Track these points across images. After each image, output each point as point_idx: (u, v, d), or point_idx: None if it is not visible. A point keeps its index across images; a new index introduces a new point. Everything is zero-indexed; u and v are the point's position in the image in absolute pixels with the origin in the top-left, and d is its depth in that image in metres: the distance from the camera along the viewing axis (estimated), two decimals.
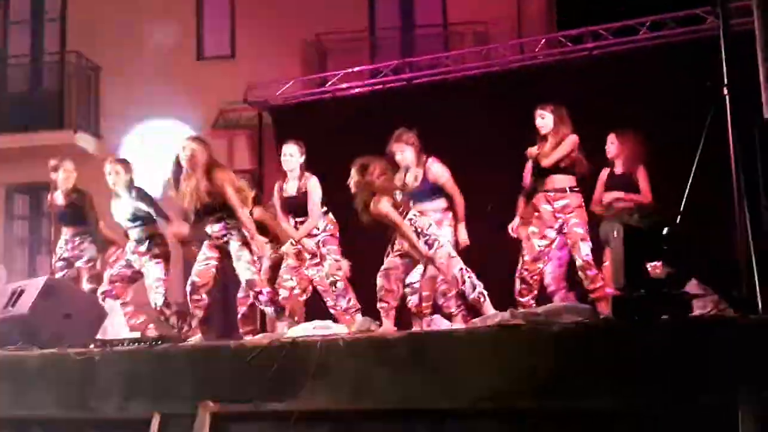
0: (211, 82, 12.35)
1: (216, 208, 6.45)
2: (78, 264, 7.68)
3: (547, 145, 6.52)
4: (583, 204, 6.57)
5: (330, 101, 10.26)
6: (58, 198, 7.71)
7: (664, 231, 4.50)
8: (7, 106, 13.19)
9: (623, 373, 4.06)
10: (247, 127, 12.27)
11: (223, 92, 11.98)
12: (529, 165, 6.72)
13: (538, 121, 6.59)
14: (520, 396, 4.23)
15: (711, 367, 3.94)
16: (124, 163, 7.23)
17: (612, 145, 6.94)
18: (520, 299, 6.41)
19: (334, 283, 6.88)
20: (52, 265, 7.67)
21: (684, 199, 4.69)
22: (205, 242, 6.62)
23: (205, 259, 6.56)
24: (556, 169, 6.49)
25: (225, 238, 6.51)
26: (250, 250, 6.48)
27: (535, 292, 6.50)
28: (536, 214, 6.56)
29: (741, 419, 3.77)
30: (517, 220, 6.82)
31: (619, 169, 6.93)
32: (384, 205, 5.98)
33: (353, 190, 6.12)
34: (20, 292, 6.20)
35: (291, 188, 7.07)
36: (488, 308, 5.84)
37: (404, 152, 6.63)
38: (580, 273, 6.44)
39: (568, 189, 6.50)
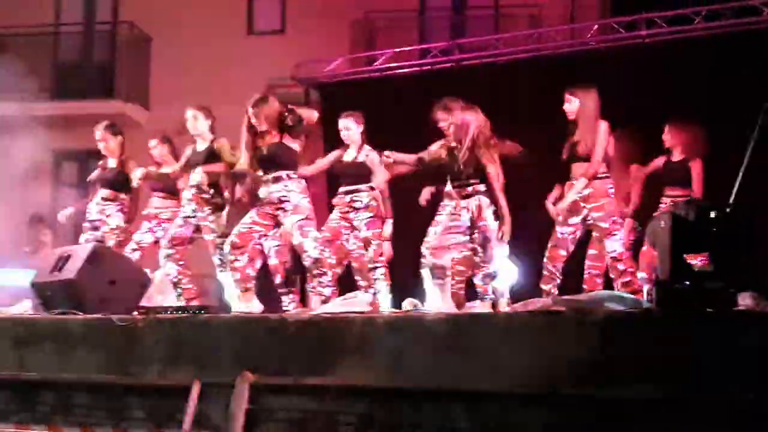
0: (260, 57, 12.39)
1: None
2: (103, 229, 7.72)
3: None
4: (611, 194, 6.19)
5: (377, 80, 10.21)
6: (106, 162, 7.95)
7: (712, 214, 4.43)
8: (59, 75, 13.37)
9: (665, 362, 4.03)
10: (294, 103, 12.23)
11: (271, 67, 11.99)
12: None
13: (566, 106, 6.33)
14: (558, 382, 4.21)
15: (751, 361, 3.90)
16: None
17: (668, 135, 7.03)
18: (543, 287, 6.20)
19: (374, 269, 6.95)
20: (82, 227, 7.86)
21: (734, 192, 4.63)
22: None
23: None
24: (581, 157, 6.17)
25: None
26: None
27: (558, 280, 6.20)
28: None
29: None
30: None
31: (676, 157, 7.01)
32: None
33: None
34: (67, 257, 6.29)
35: (349, 156, 7.25)
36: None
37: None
38: (610, 270, 6.19)
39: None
